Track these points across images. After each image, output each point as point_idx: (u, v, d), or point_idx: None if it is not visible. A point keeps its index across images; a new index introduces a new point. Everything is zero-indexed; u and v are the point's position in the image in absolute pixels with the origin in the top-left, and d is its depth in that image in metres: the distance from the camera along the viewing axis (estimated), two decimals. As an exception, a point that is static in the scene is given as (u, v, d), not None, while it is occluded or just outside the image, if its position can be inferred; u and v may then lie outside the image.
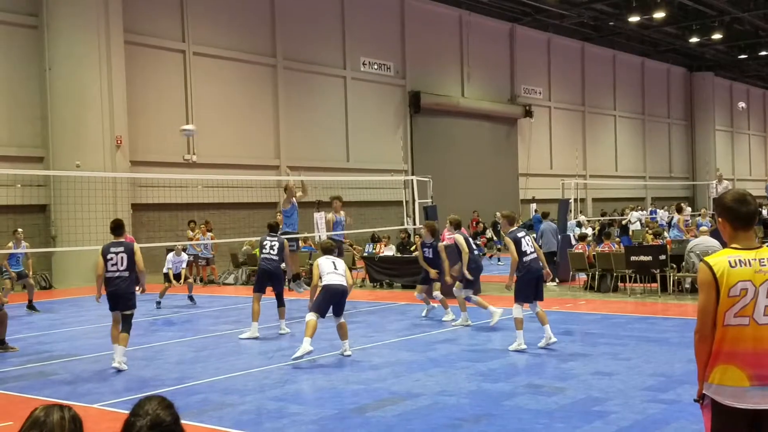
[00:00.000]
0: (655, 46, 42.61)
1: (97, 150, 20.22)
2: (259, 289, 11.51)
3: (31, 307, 15.09)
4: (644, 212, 32.86)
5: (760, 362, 3.50)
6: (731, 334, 3.52)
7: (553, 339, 9.66)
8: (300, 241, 16.66)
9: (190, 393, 7.78)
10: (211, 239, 19.62)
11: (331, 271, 9.36)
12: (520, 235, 9.80)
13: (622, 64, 42.87)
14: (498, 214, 18.17)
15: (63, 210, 19.13)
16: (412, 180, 18.92)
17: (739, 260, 3.53)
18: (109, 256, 9.25)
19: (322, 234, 20.02)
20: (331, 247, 9.99)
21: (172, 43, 23.32)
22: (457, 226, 12.29)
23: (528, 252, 9.70)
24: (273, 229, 12.12)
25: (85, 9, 20.18)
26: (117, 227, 9.49)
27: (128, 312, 9.28)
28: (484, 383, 7.94)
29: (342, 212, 15.01)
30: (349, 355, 9.43)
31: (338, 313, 9.44)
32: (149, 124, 22.51)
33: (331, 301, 9.32)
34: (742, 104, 30.85)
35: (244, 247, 20.43)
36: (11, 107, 20.16)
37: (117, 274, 9.24)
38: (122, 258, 9.24)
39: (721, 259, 3.56)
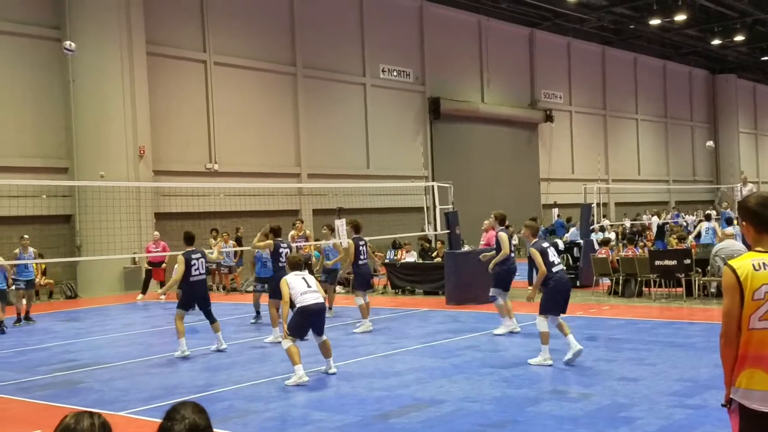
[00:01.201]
0: (677, 48, 42.27)
1: (121, 160, 20.45)
2: (276, 296, 11.59)
3: (27, 317, 14.83)
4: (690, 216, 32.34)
5: (788, 366, 3.47)
6: (757, 338, 3.49)
7: (579, 347, 8.97)
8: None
9: (215, 400, 7.84)
10: (233, 247, 19.73)
11: (305, 290, 8.66)
12: (545, 245, 9.36)
13: (643, 67, 42.57)
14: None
15: (88, 220, 19.34)
16: (432, 186, 18.89)
17: (763, 263, 3.51)
18: (192, 263, 10.59)
19: (343, 240, 20.05)
20: (300, 262, 9.20)
21: (194, 53, 23.54)
22: (502, 221, 11.81)
23: (555, 263, 9.23)
24: (277, 233, 12.44)
25: (107, 21, 20.45)
26: (191, 237, 11.00)
27: (210, 306, 10.85)
28: (508, 389, 7.91)
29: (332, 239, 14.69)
30: (333, 373, 8.88)
31: (319, 332, 8.83)
32: (171, 134, 22.72)
33: (310, 321, 8.69)
34: (710, 143, 31.33)
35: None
36: (36, 119, 20.45)
37: (201, 277, 10.69)
38: (202, 263, 10.73)
39: (745, 262, 3.54)
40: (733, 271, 3.52)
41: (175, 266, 16.31)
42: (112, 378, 9.32)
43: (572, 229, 22.60)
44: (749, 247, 3.69)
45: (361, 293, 12.64)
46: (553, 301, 9.11)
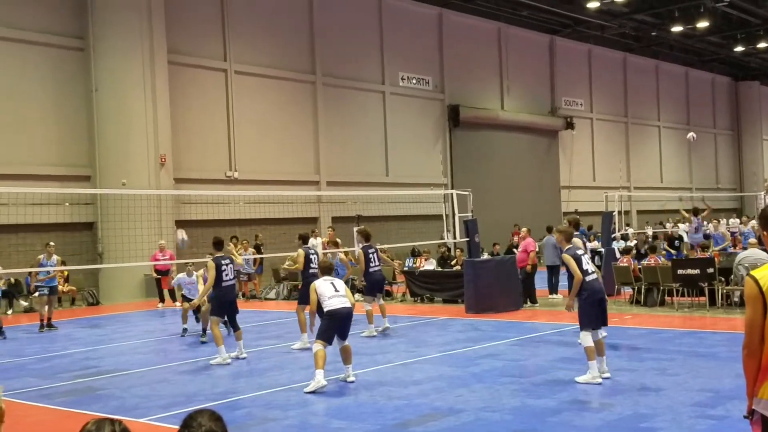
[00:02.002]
0: (699, 55, 41.96)
1: (142, 168, 20.63)
2: (306, 302, 11.62)
3: (49, 324, 14.95)
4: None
5: (811, 378, 3.41)
6: (780, 349, 3.44)
7: (607, 374, 8.57)
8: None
9: (234, 407, 7.86)
10: (253, 254, 19.81)
11: (333, 294, 8.77)
12: (579, 252, 8.79)
13: (665, 74, 42.28)
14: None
15: (110, 227, 19.54)
16: (451, 194, 18.82)
17: (787, 273, 3.46)
18: (222, 268, 10.62)
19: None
20: (331, 267, 9.40)
21: (214, 62, 23.73)
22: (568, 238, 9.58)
23: (589, 271, 8.65)
24: (306, 240, 12.54)
25: (129, 31, 20.68)
26: (220, 242, 11.02)
27: (237, 313, 11.00)
28: (528, 399, 7.85)
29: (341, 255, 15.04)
30: (352, 381, 8.85)
31: (343, 336, 8.89)
32: (192, 142, 22.90)
33: (337, 326, 8.76)
34: (692, 135, 29.36)
35: (287, 263, 20.56)
36: (60, 128, 20.70)
37: (231, 282, 10.77)
38: (231, 268, 10.79)
39: (768, 272, 3.50)
40: (756, 281, 3.48)
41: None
42: (133, 385, 9.38)
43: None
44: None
45: (369, 299, 12.84)
46: (589, 313, 8.62)
